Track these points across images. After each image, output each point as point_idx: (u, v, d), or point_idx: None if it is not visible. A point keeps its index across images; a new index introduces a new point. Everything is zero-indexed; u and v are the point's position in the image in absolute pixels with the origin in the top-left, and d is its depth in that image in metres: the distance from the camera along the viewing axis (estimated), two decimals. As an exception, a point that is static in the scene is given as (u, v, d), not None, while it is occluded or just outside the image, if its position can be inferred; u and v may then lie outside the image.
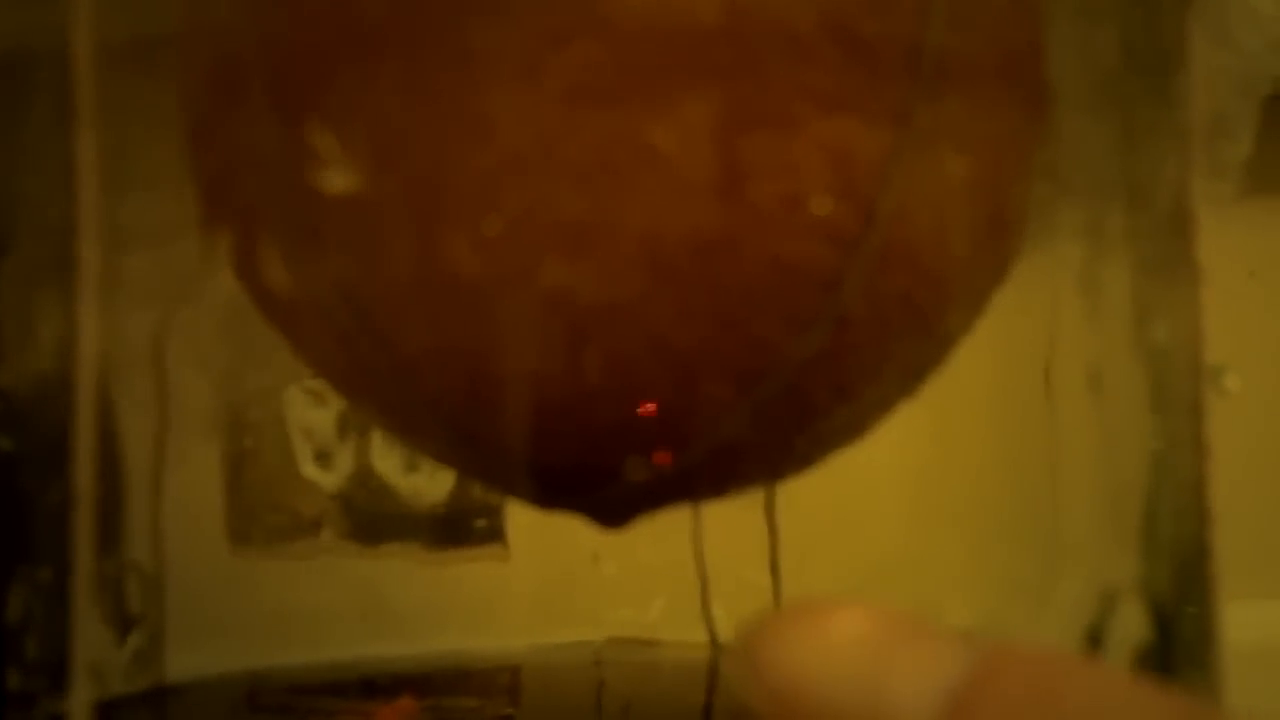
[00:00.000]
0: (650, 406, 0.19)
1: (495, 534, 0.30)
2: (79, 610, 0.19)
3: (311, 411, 0.28)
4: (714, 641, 0.27)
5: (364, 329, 0.18)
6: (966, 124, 0.19)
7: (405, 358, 0.19)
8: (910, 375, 0.21)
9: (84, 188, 0.17)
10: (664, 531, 0.22)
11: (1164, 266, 0.22)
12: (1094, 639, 0.22)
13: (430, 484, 0.29)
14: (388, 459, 0.29)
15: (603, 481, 0.20)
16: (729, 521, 0.25)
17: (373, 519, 0.29)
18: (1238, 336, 0.23)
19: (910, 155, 0.18)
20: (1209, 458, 0.21)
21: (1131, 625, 0.21)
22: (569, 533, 0.21)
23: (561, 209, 0.17)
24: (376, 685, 0.28)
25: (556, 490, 0.21)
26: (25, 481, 0.23)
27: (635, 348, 0.18)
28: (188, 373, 0.26)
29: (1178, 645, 0.22)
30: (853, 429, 0.22)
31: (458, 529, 0.30)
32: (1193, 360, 0.21)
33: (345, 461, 0.29)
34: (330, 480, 0.29)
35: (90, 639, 0.20)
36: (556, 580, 0.28)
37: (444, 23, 0.18)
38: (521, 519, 0.29)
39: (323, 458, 0.29)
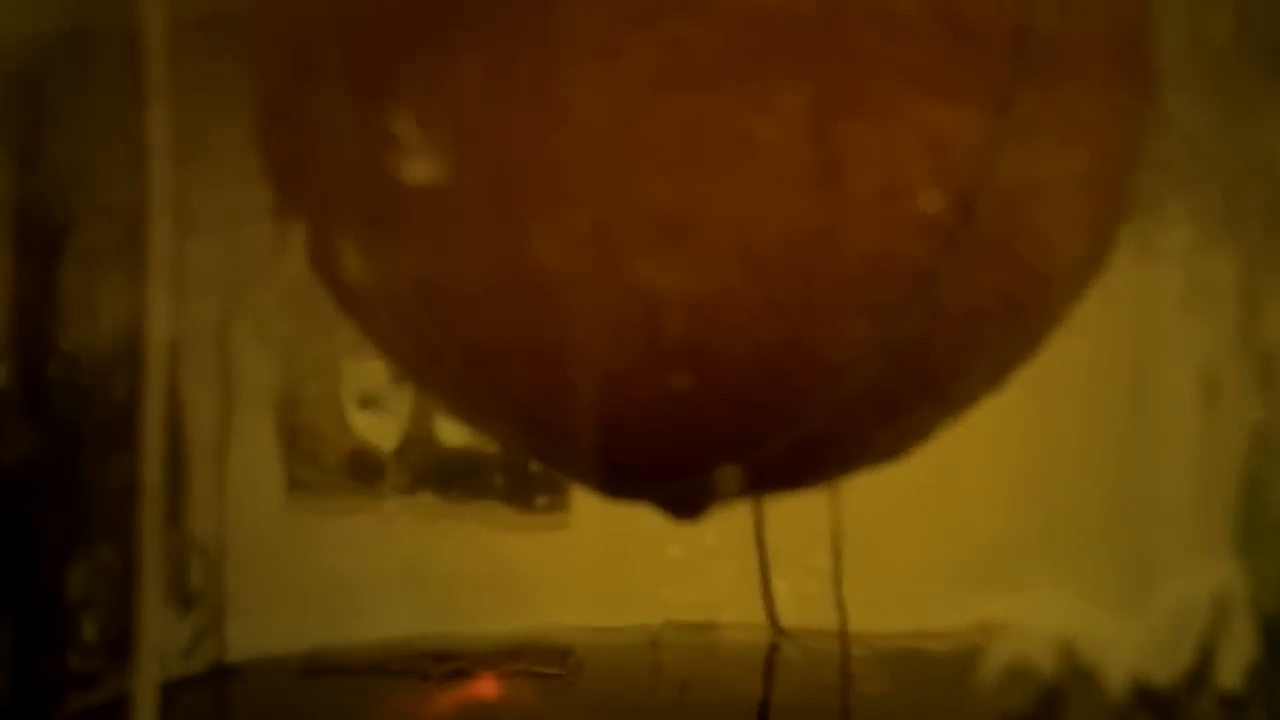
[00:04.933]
0: (733, 409, 0.18)
1: (558, 505, 0.29)
2: (146, 594, 0.19)
3: (366, 380, 0.28)
4: (774, 625, 0.27)
5: (437, 320, 0.18)
6: (1072, 110, 0.18)
7: (480, 350, 0.18)
8: (999, 369, 0.21)
9: (154, 168, 0.16)
10: (728, 513, 0.22)
11: (1272, 254, 0.21)
12: (1205, 655, 0.21)
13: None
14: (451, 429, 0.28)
15: (677, 475, 0.20)
16: (794, 504, 0.24)
17: (437, 485, 0.29)
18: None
19: (1013, 143, 0.18)
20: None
21: (1243, 641, 0.20)
22: (631, 511, 0.21)
23: (649, 201, 0.17)
24: (429, 670, 0.27)
25: (629, 483, 0.20)
26: (85, 462, 0.23)
27: (720, 343, 0.18)
28: (250, 347, 0.25)
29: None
30: (936, 423, 0.21)
31: (521, 499, 0.29)
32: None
33: (403, 424, 0.28)
34: (389, 444, 0.28)
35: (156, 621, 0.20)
36: (617, 559, 0.28)
37: (526, -1, 0.17)
38: (585, 498, 0.29)
39: (380, 432, 0.28)
